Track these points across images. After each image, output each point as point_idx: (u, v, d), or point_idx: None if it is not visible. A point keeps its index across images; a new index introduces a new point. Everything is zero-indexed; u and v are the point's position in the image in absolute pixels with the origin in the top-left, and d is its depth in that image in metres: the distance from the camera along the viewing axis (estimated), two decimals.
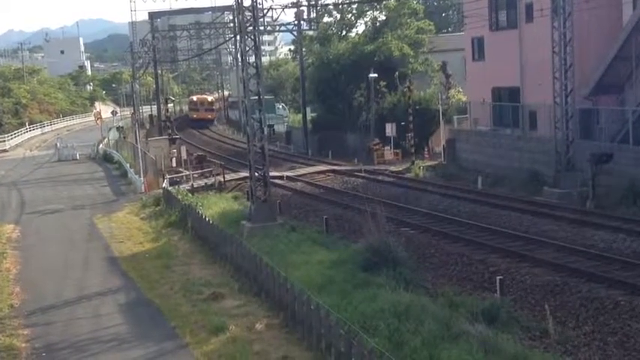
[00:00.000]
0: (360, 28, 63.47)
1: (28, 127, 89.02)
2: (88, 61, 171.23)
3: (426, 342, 13.01)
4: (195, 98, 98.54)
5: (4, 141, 75.56)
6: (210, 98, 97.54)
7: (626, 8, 31.41)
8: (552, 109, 30.23)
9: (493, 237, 22.84)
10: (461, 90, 48.02)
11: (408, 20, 55.94)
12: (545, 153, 31.42)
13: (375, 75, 48.21)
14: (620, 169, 27.58)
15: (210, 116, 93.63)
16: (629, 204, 25.83)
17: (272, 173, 30.97)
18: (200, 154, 45.20)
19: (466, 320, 14.32)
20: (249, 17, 26.43)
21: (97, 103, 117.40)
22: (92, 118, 77.44)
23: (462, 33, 48.02)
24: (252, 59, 27.11)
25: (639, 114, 28.65)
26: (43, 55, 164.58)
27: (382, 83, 50.02)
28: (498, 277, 17.86)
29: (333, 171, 40.59)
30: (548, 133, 31.58)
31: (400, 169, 39.71)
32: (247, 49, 26.99)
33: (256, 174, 26.45)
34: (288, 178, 38.60)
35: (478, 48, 40.66)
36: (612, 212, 25.38)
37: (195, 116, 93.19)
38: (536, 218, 25.19)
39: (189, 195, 31.58)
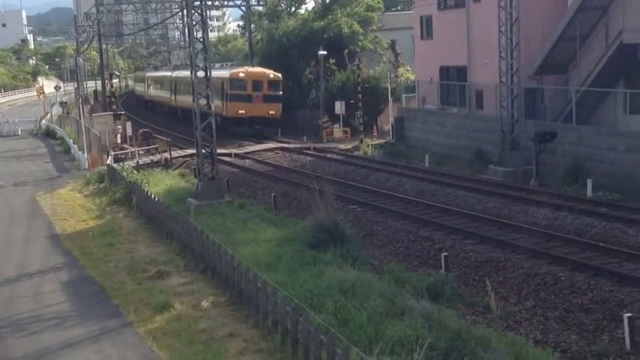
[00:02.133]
0: (310, 4, 63.19)
1: None
2: (31, 35, 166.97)
3: (372, 318, 13.10)
4: (241, 74, 47.04)
5: None
6: (272, 74, 47.38)
7: None
8: (498, 88, 30.55)
9: (439, 214, 23.07)
10: (409, 68, 48.21)
11: None
12: (490, 132, 31.78)
13: (325, 52, 48.03)
14: (563, 147, 28.06)
15: (273, 112, 46.50)
16: (571, 182, 26.34)
17: (220, 150, 30.70)
18: (146, 130, 44.51)
19: (411, 296, 14.44)
20: None
21: (39, 78, 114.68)
22: (35, 93, 75.63)
23: (411, 11, 48.10)
24: (199, 34, 26.80)
25: (582, 93, 29.14)
26: None
27: (332, 61, 49.92)
28: (443, 254, 18.09)
29: (282, 148, 40.46)
30: (494, 112, 31.94)
31: (349, 147, 39.79)
32: (194, 23, 26.67)
33: (203, 151, 26.22)
34: (237, 155, 38.35)
35: (426, 26, 40.79)
36: (555, 190, 25.85)
37: (241, 111, 46.01)
38: (482, 196, 25.51)
39: (135, 172, 31.14)
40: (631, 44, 27.43)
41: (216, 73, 46.91)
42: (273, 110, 46.49)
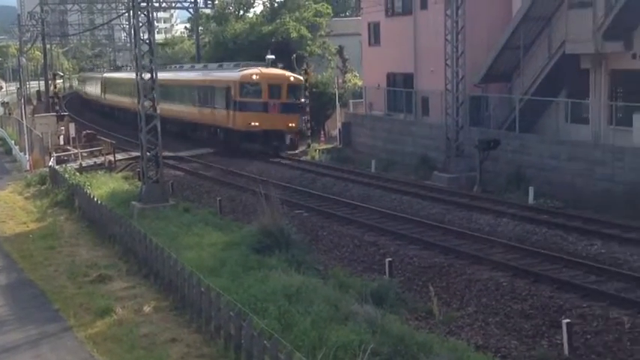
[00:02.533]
0: (258, 8, 63.13)
1: None
2: None
3: (315, 323, 13.07)
4: (255, 76, 38.00)
5: None
6: (292, 77, 39.01)
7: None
8: (444, 95, 30.91)
9: (384, 220, 23.22)
10: (357, 74, 48.46)
11: (307, 2, 55.90)
12: (436, 138, 32.13)
13: (273, 57, 47.81)
14: (506, 155, 28.53)
15: (293, 124, 38.12)
16: (513, 189, 26.79)
17: (165, 153, 30.40)
18: (89, 132, 43.82)
19: (355, 301, 14.48)
20: None
21: None
22: None
23: (359, 18, 48.37)
24: (145, 36, 26.53)
25: (526, 102, 29.68)
26: None
27: (280, 65, 49.81)
28: (388, 259, 18.20)
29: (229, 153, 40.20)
30: (439, 119, 32.29)
31: (296, 151, 39.77)
32: (140, 25, 26.38)
33: (148, 154, 25.93)
34: (183, 158, 38.00)
35: (374, 33, 41.10)
36: (498, 197, 26.25)
37: (254, 124, 37.27)
38: (426, 202, 25.74)
39: (77, 174, 30.60)
40: (573, 54, 28.05)
41: (219, 75, 40.79)
42: (293, 123, 37.48)
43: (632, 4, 25.43)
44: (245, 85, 37.45)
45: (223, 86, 38.71)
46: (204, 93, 42.00)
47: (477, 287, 16.63)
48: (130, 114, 55.55)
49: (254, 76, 37.45)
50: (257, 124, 36.84)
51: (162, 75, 50.15)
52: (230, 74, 38.98)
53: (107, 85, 63.57)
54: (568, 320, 13.43)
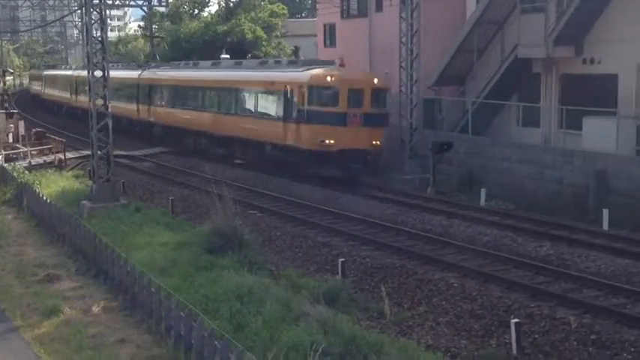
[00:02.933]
0: (213, 7, 62.83)
1: None
2: None
3: (267, 323, 13.04)
4: (330, 77, 28.24)
5: None
6: (376, 79, 29.17)
7: (470, 3, 32.80)
8: (398, 97, 31.10)
9: (338, 220, 23.26)
10: None
11: (262, 3, 55.85)
12: (390, 140, 32.27)
13: (228, 56, 47.77)
14: (459, 157, 28.82)
15: (377, 142, 28.45)
16: (466, 191, 27.09)
17: (117, 152, 30.02)
18: (39, 130, 43.03)
19: (308, 302, 14.47)
20: None
21: None
22: None
23: (315, 19, 48.46)
24: (98, 33, 26.22)
25: (478, 105, 30.03)
26: None
27: None
28: (340, 260, 18.22)
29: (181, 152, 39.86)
30: (394, 121, 32.47)
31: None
32: (93, 22, 26.08)
33: (99, 152, 25.61)
34: (135, 157, 37.58)
35: (330, 35, 41.22)
36: (450, 198, 26.50)
37: (328, 142, 27.59)
38: (380, 203, 25.84)
39: (27, 173, 30.02)
40: (525, 59, 28.46)
41: (271, 76, 31.00)
42: (378, 139, 28.28)
43: (582, 11, 25.92)
44: (316, 89, 27.99)
45: (278, 90, 29.74)
46: (243, 98, 33.02)
47: (428, 287, 16.75)
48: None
49: (329, 78, 27.98)
50: (332, 141, 27.33)
51: (168, 74, 41.12)
52: (292, 74, 29.62)
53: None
54: (516, 320, 13.60)
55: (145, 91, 42.97)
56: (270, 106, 30.88)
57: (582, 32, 26.71)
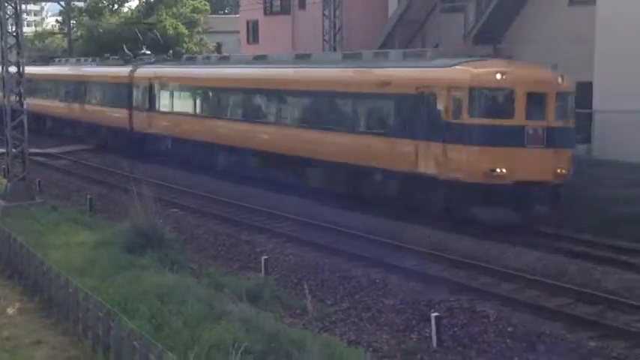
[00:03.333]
0: (134, 3, 61.84)
1: None
2: None
3: (188, 323, 12.86)
4: (500, 74, 19.44)
5: None
6: (559, 77, 20.03)
7: (392, 1, 33.22)
8: None
9: (261, 218, 23.17)
10: None
11: None
12: None
13: (149, 53, 47.02)
14: None
15: (564, 169, 19.66)
16: None
17: (33, 150, 29.19)
18: None
19: (230, 300, 14.36)
20: None
21: None
22: None
23: (237, 15, 48.21)
24: (13, 28, 25.62)
25: None
26: None
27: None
28: (264, 257, 18.15)
29: (102, 149, 39.05)
30: None
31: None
32: (7, 17, 25.40)
33: (14, 150, 24.92)
34: (52, 155, 36.62)
35: (253, 31, 41.15)
36: None
37: (499, 170, 19.06)
38: (304, 200, 25.78)
39: None
40: None
41: (391, 74, 22.58)
42: (565, 166, 20.10)
43: (500, 11, 26.57)
44: (482, 92, 19.90)
45: (402, 94, 21.57)
46: (336, 105, 24.47)
47: (351, 283, 16.84)
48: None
49: (499, 76, 19.74)
50: (504, 170, 19.39)
51: (213, 71, 30.67)
52: (432, 71, 21.32)
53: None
54: (437, 314, 13.80)
55: (143, 94, 34.44)
56: (384, 117, 22.68)
57: (500, 32, 27.36)
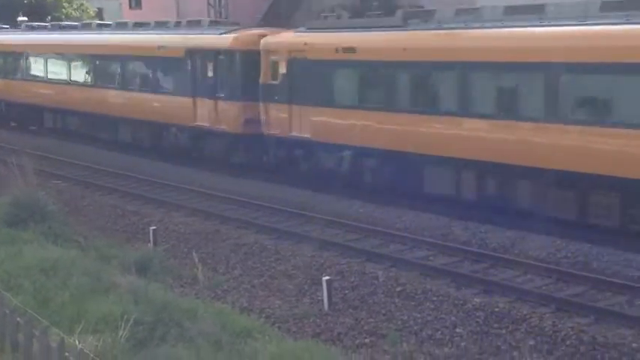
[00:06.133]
0: None
1: None
2: None
3: (74, 296, 12.49)
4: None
5: None
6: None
7: None
8: None
9: (148, 187, 22.75)
10: None
11: None
12: None
13: (25, 19, 44.91)
14: None
15: None
16: None
17: None
18: None
19: (118, 272, 14.05)
20: None
21: None
22: None
23: None
24: None
25: None
26: None
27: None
28: (152, 228, 17.84)
29: None
30: None
31: None
32: None
33: None
34: None
35: None
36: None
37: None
38: (193, 169, 25.40)
39: None
40: None
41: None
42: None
43: None
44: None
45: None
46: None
47: (243, 251, 16.83)
48: None
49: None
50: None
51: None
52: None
53: None
54: (328, 277, 13.96)
55: None
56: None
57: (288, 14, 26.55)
